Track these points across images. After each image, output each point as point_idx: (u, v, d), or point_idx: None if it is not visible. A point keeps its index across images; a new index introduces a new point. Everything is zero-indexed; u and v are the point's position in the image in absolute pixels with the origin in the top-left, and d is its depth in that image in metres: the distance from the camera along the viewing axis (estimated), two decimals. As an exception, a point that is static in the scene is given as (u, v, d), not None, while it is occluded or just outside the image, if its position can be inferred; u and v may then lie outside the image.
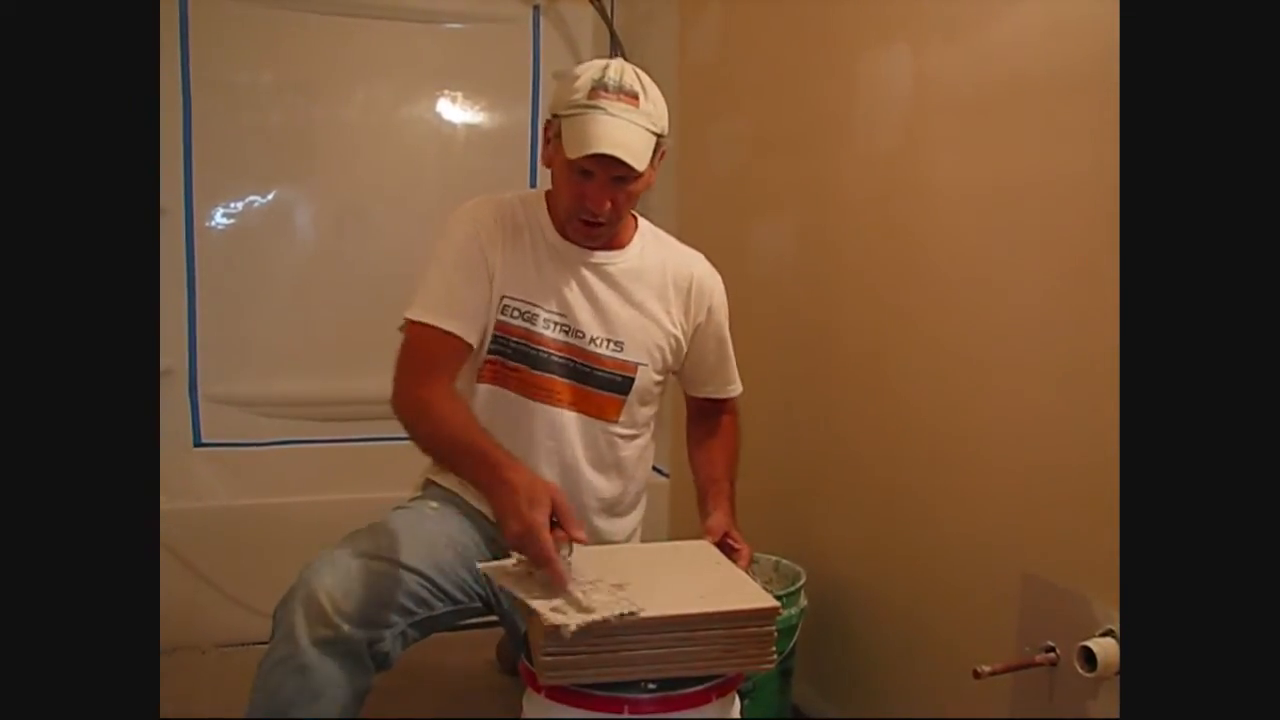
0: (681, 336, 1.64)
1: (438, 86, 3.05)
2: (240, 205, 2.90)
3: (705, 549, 1.49)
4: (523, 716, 1.32)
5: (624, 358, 1.58)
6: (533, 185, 3.08)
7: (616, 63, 1.46)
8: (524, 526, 1.22)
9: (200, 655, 2.29)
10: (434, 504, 1.59)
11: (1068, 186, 1.37)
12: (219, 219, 2.88)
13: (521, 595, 1.23)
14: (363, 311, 2.95)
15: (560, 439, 1.57)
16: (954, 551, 1.62)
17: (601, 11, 2.94)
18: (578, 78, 1.45)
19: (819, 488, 2.05)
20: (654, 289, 1.61)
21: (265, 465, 2.86)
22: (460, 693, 2.17)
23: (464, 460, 1.39)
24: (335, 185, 3.00)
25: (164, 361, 2.77)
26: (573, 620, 1.15)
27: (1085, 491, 1.32)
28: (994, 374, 1.53)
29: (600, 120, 1.40)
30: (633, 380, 1.59)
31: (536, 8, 3.06)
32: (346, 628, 1.32)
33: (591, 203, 1.46)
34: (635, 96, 1.43)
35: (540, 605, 1.20)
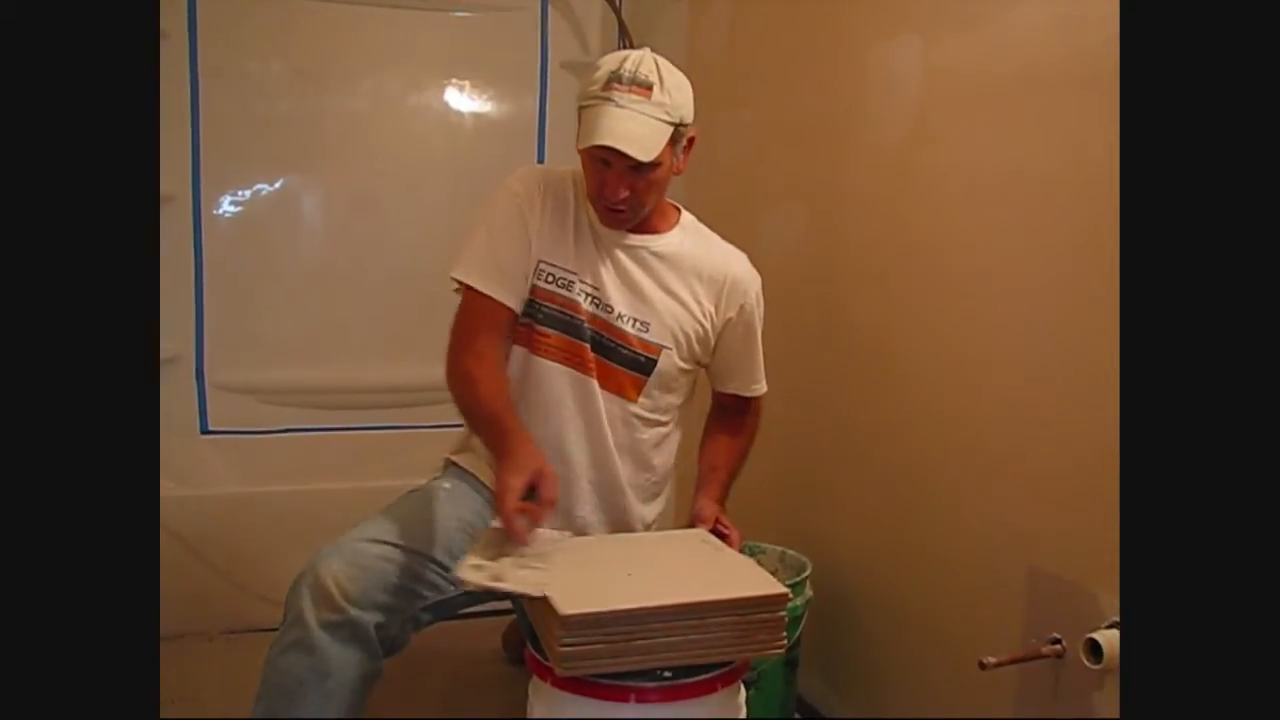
0: (710, 328, 1.65)
1: (446, 75, 3.04)
2: (248, 193, 2.90)
3: (703, 537, 1.50)
4: (529, 705, 1.32)
5: (649, 338, 1.60)
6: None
7: (637, 54, 1.49)
8: (500, 487, 1.31)
9: (207, 642, 2.30)
10: (448, 484, 1.60)
11: (1076, 178, 1.36)
12: (227, 207, 2.88)
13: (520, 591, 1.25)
14: (370, 299, 2.97)
15: (590, 410, 1.59)
16: (960, 543, 1.62)
17: (610, 1, 2.93)
18: (598, 69, 1.48)
19: (826, 479, 2.05)
20: (687, 278, 1.63)
21: (272, 453, 2.86)
22: (465, 680, 2.18)
23: (486, 429, 1.47)
24: (343, 174, 3.00)
25: (171, 349, 2.78)
26: (585, 608, 1.16)
27: (1092, 484, 1.32)
28: (1001, 365, 1.53)
29: (608, 112, 1.43)
30: (655, 361, 1.60)
31: (544, -4, 3.05)
32: (353, 611, 1.35)
33: (609, 190, 1.50)
34: (648, 87, 1.45)
35: (555, 593, 1.20)
